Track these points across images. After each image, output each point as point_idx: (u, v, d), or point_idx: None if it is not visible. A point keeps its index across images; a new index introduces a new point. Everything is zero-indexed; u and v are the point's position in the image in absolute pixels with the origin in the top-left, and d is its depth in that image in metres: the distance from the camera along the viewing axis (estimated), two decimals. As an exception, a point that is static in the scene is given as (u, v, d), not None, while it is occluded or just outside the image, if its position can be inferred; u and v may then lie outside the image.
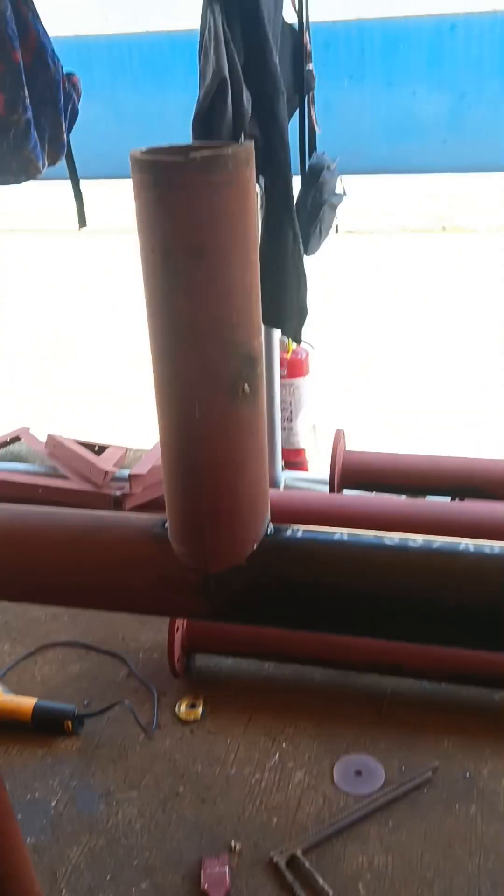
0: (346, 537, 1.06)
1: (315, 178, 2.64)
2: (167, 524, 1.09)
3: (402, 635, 1.07)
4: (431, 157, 8.27)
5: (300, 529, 1.10)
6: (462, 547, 1.03)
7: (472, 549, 1.02)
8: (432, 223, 6.97)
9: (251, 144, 0.92)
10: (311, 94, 2.65)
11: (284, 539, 1.07)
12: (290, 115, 2.49)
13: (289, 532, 1.09)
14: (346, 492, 2.74)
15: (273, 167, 2.17)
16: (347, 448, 2.82)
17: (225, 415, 0.97)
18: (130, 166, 0.90)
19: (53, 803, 1.95)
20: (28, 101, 2.30)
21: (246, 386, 0.98)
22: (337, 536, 1.07)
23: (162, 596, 1.09)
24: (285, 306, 2.40)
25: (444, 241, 6.72)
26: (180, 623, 2.20)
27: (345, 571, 1.04)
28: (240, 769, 2.01)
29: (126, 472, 2.88)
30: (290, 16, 2.49)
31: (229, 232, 0.90)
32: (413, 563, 1.02)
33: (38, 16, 2.34)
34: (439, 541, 1.05)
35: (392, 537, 1.06)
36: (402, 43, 8.13)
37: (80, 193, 2.66)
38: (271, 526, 1.09)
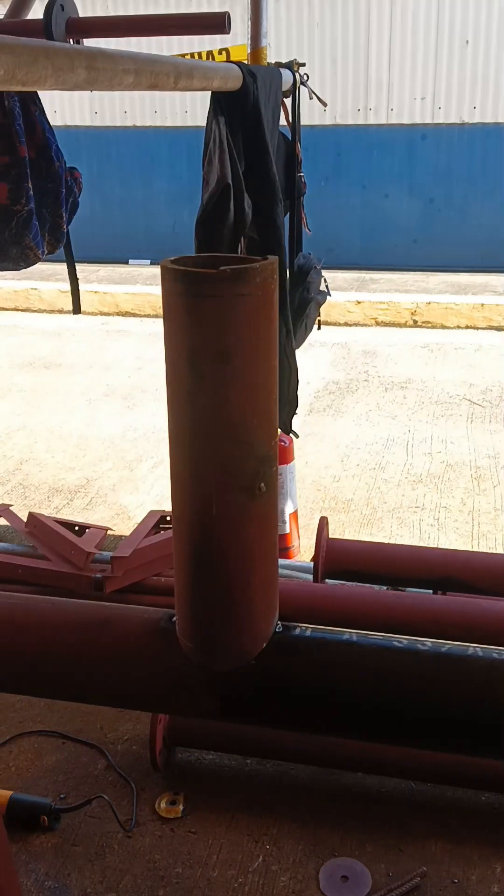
0: (354, 638, 1.07)
1: (303, 277, 2.74)
2: (175, 618, 1.09)
3: (411, 741, 1.07)
4: (403, 255, 8.59)
5: (308, 629, 1.10)
6: (471, 652, 1.04)
7: (480, 653, 1.03)
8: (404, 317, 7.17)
9: (276, 260, 0.96)
10: (301, 199, 2.77)
11: (294, 638, 1.08)
12: (283, 220, 2.60)
13: (297, 631, 1.09)
14: (328, 582, 2.74)
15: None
16: (330, 536, 2.84)
17: (241, 512, 0.99)
18: (161, 275, 0.94)
19: (27, 905, 1.87)
20: (31, 192, 2.38)
21: (262, 485, 1.00)
22: (346, 637, 1.07)
23: (168, 695, 1.08)
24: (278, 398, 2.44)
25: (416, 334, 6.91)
26: (162, 716, 2.16)
27: (355, 675, 1.04)
28: (222, 872, 1.95)
29: (108, 555, 2.86)
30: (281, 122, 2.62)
31: (254, 339, 0.94)
32: (423, 668, 1.02)
33: (44, 113, 2.44)
34: (448, 644, 1.06)
35: (401, 640, 1.06)
36: (376, 149, 8.54)
37: (77, 281, 2.72)
38: (280, 624, 1.10)
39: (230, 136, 1.89)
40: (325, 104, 2.84)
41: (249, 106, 1.95)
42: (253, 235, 2.08)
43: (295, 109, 2.68)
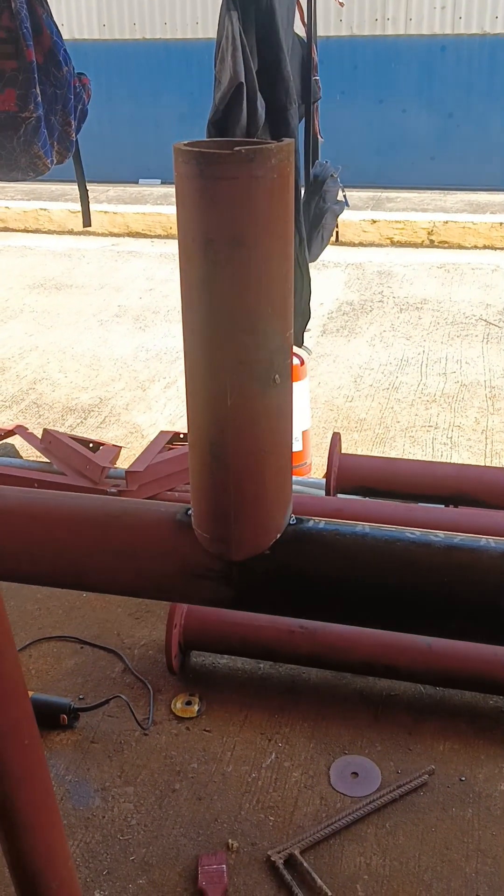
0: (367, 530, 1.08)
1: (319, 186, 2.69)
2: (191, 511, 1.11)
3: (422, 628, 1.09)
4: (420, 173, 8.40)
5: (321, 521, 1.11)
6: (483, 542, 1.05)
7: (493, 544, 1.04)
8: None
9: (293, 142, 0.94)
10: (316, 104, 2.70)
11: (307, 529, 1.09)
12: (297, 123, 2.53)
13: (311, 523, 1.11)
14: (340, 496, 2.76)
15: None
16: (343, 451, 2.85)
17: (256, 403, 0.99)
18: (174, 158, 0.92)
19: (49, 798, 1.95)
20: (39, 98, 2.33)
21: (277, 376, 1.00)
22: (359, 529, 1.08)
23: (185, 583, 1.11)
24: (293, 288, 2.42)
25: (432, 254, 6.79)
26: (178, 620, 2.21)
27: (367, 563, 1.05)
28: (236, 767, 2.02)
29: (122, 470, 2.89)
30: (298, 28, 2.53)
31: (270, 224, 0.92)
32: (435, 557, 1.04)
33: (51, 16, 2.37)
34: (460, 536, 1.07)
35: (413, 531, 1.08)
36: (393, 61, 8.27)
37: (87, 192, 2.68)
38: (293, 516, 1.11)
39: (243, 32, 1.83)
40: (341, 4, 2.75)
41: (263, 1, 1.89)
42: (266, 137, 2.03)
43: (311, 10, 2.59)
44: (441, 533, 1.07)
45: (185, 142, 0.94)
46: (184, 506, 1.14)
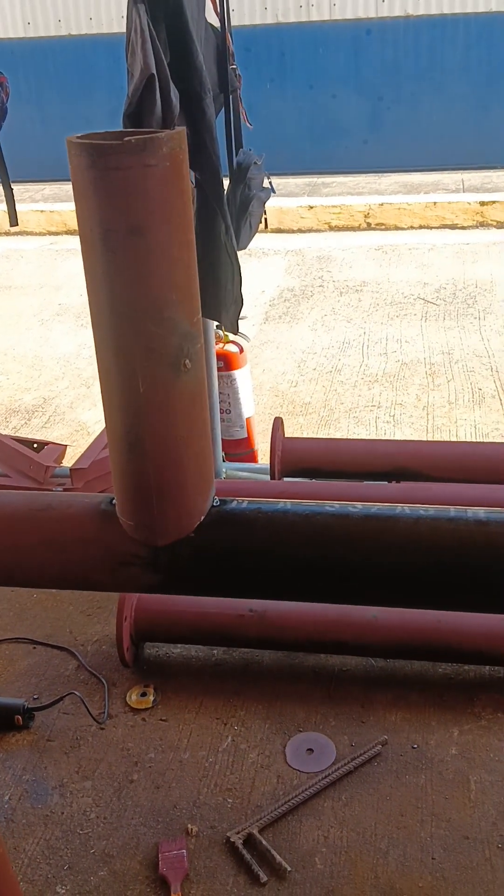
0: (289, 506, 1.11)
1: (243, 174, 2.69)
2: (114, 500, 1.12)
3: (347, 597, 1.12)
4: (354, 157, 8.45)
5: (244, 501, 1.14)
6: (399, 510, 1.08)
7: (408, 511, 1.08)
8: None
9: (184, 129, 0.96)
10: (237, 93, 2.71)
11: (231, 510, 1.11)
12: (217, 113, 2.54)
13: (234, 504, 1.13)
14: (285, 480, 2.79)
15: (203, 162, 2.21)
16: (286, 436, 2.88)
17: (168, 389, 1.01)
18: (68, 150, 0.93)
19: (7, 798, 1.95)
20: (-45, 99, 2.31)
21: (187, 361, 1.02)
22: (280, 506, 1.11)
23: (113, 571, 1.12)
24: (221, 298, 2.44)
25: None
26: (128, 613, 2.22)
27: (290, 538, 1.08)
28: (193, 753, 2.04)
29: (67, 469, 2.89)
30: (211, 17, 2.54)
31: (165, 212, 0.94)
32: (354, 527, 1.07)
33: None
34: (377, 506, 1.10)
35: (332, 505, 1.10)
36: (320, 47, 8.30)
37: (11, 191, 2.67)
38: (217, 498, 1.13)
39: (152, 24, 1.84)
40: None
41: (171, -8, 1.90)
42: (182, 128, 2.04)
43: (223, -1, 2.59)
44: (359, 504, 1.10)
45: (79, 135, 0.96)
46: (108, 496, 1.15)
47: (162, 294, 0.97)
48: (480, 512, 1.04)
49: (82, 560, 1.12)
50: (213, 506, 1.12)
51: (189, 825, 1.87)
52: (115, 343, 0.99)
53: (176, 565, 1.10)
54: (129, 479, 1.06)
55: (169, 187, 0.93)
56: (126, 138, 0.89)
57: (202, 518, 1.10)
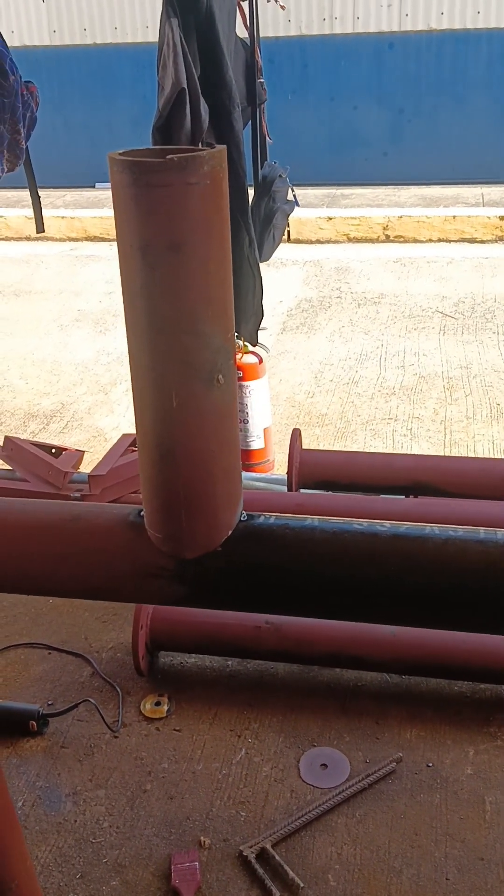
0: (317, 523, 1.11)
1: (268, 187, 2.71)
2: (143, 512, 1.13)
3: (373, 617, 1.12)
4: (374, 169, 8.47)
5: (272, 516, 1.14)
6: (428, 531, 1.08)
7: (437, 531, 1.07)
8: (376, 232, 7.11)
9: (224, 148, 0.96)
10: (262, 106, 2.72)
11: (258, 525, 1.12)
12: (244, 126, 2.56)
13: (261, 519, 1.13)
14: (302, 491, 2.79)
15: (230, 174, 2.22)
16: (303, 447, 2.88)
17: (201, 403, 1.01)
18: (110, 166, 0.94)
19: (20, 804, 1.96)
20: (-14, 108, 2.33)
21: (220, 376, 1.02)
22: (308, 522, 1.11)
23: (139, 583, 1.12)
24: (242, 309, 2.45)
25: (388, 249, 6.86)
26: (144, 621, 2.23)
27: (317, 555, 1.08)
28: (206, 765, 2.04)
29: (85, 475, 2.90)
30: (241, 31, 2.56)
31: (204, 229, 0.95)
32: (382, 546, 1.07)
33: (-6, 24, 2.37)
34: (405, 525, 1.10)
35: (361, 522, 1.10)
36: (343, 59, 8.33)
37: (39, 199, 2.69)
38: (244, 513, 1.14)
39: (184, 38, 1.85)
40: (283, 7, 2.78)
41: (203, 6, 1.91)
42: (211, 142, 2.05)
43: (253, 13, 2.61)
44: (387, 522, 1.10)
45: (120, 151, 0.96)
46: (136, 507, 1.16)
47: (198, 309, 0.97)
48: (510, 534, 1.03)
49: (109, 571, 1.13)
50: (240, 520, 1.12)
51: (202, 837, 1.86)
52: (150, 356, 1.00)
53: (202, 579, 1.10)
54: (159, 492, 1.07)
55: (208, 205, 0.94)
56: (168, 156, 0.90)
57: (230, 532, 1.10)
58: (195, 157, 0.91)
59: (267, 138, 2.82)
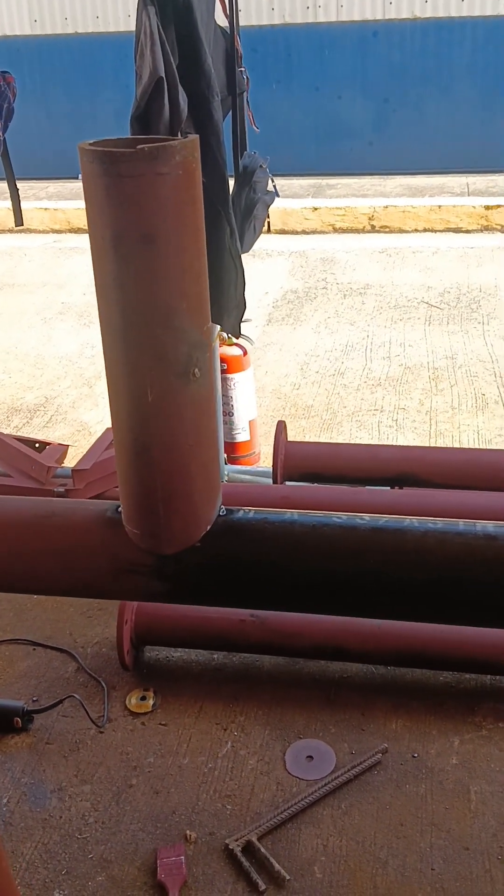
0: (296, 517, 1.10)
1: (249, 177, 2.69)
2: (120, 508, 1.11)
3: (352, 610, 1.11)
4: (359, 159, 8.44)
5: (251, 511, 1.13)
6: (407, 523, 1.07)
7: (416, 524, 1.07)
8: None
9: (197, 138, 0.95)
10: (244, 95, 2.70)
11: (237, 520, 1.11)
12: (224, 116, 2.53)
13: (241, 513, 1.12)
14: (288, 484, 2.78)
15: (209, 165, 2.21)
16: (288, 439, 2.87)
17: (177, 397, 1.00)
18: (80, 157, 0.92)
19: (5, 800, 1.95)
20: (-38, 98, 2.30)
21: (196, 370, 1.01)
22: (287, 516, 1.10)
23: (118, 579, 1.11)
24: (224, 301, 2.44)
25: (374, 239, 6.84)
26: (129, 616, 2.22)
27: (296, 549, 1.07)
28: (192, 759, 2.03)
29: (69, 469, 2.88)
30: (220, 19, 2.53)
31: (177, 220, 0.93)
32: (361, 540, 1.06)
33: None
34: (384, 518, 1.09)
35: (340, 516, 1.10)
36: (327, 48, 8.29)
37: (17, 192, 2.66)
38: (223, 508, 1.13)
39: (161, 27, 1.83)
40: None
41: (181, -6, 1.89)
42: (190, 131, 2.04)
43: (232, 1, 2.59)
44: (367, 516, 1.10)
45: (91, 141, 0.95)
46: (114, 503, 1.14)
47: (172, 302, 0.96)
48: (489, 526, 1.03)
49: (87, 568, 1.12)
50: (219, 515, 1.11)
51: (188, 831, 1.86)
52: (125, 351, 0.98)
53: (181, 574, 1.09)
54: (136, 487, 1.06)
55: (181, 195, 0.93)
56: (139, 146, 0.88)
57: (208, 527, 1.09)
58: (166, 146, 0.89)
59: (254, 127, 2.80)
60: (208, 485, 1.09)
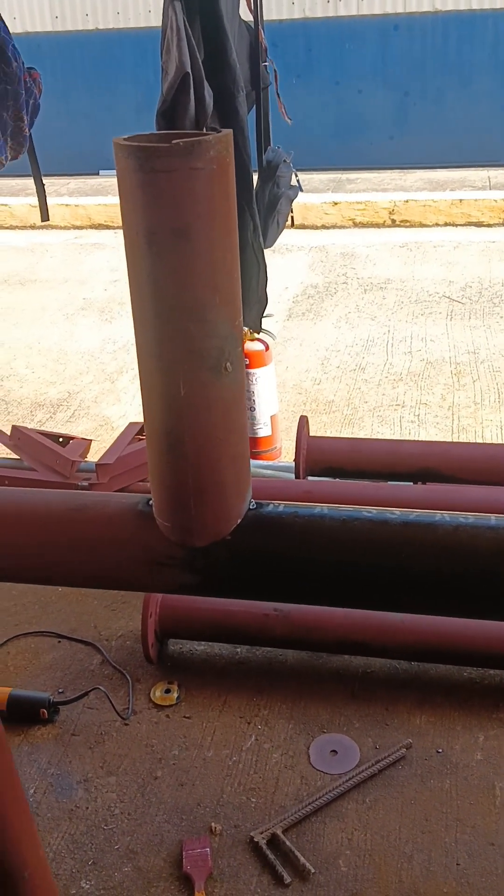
0: (326, 510, 1.10)
1: (273, 172, 2.69)
2: (151, 501, 1.12)
3: (382, 604, 1.12)
4: (379, 153, 8.41)
5: (281, 504, 1.13)
6: (438, 518, 1.07)
7: (447, 519, 1.07)
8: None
9: (230, 133, 0.95)
10: (266, 90, 2.70)
11: (267, 513, 1.11)
12: (248, 111, 2.53)
13: (270, 507, 1.13)
14: (310, 479, 2.78)
15: (234, 159, 2.20)
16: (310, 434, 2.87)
17: (208, 392, 1.01)
18: (115, 152, 0.93)
19: (32, 791, 1.97)
20: (-11, 95, 2.32)
21: (228, 364, 1.01)
22: (318, 510, 1.10)
23: (148, 571, 1.12)
24: (245, 296, 2.44)
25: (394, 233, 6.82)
26: (153, 609, 2.23)
27: (325, 543, 1.07)
28: (217, 752, 2.04)
29: (92, 464, 2.90)
30: (244, 13, 2.53)
31: (211, 215, 0.94)
32: (392, 534, 1.06)
33: (-3, 10, 2.35)
34: (415, 513, 1.09)
35: (370, 510, 1.10)
36: (347, 42, 8.25)
37: (43, 187, 2.67)
38: (253, 501, 1.13)
39: (187, 22, 1.83)
40: None
41: (207, -11, 1.89)
42: (215, 126, 2.04)
43: (256, -5, 2.58)
44: (397, 510, 1.10)
45: (125, 136, 0.95)
46: (144, 496, 1.15)
47: (205, 296, 0.96)
48: (521, 520, 1.03)
49: (118, 560, 1.12)
50: (249, 509, 1.12)
51: (213, 823, 1.87)
52: (158, 345, 0.99)
53: (212, 567, 1.10)
54: (168, 481, 1.06)
55: (215, 190, 0.93)
56: (174, 141, 0.89)
57: (239, 521, 1.10)
58: (201, 141, 0.90)
59: (286, 119, 2.79)
60: (239, 478, 1.09)
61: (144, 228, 0.93)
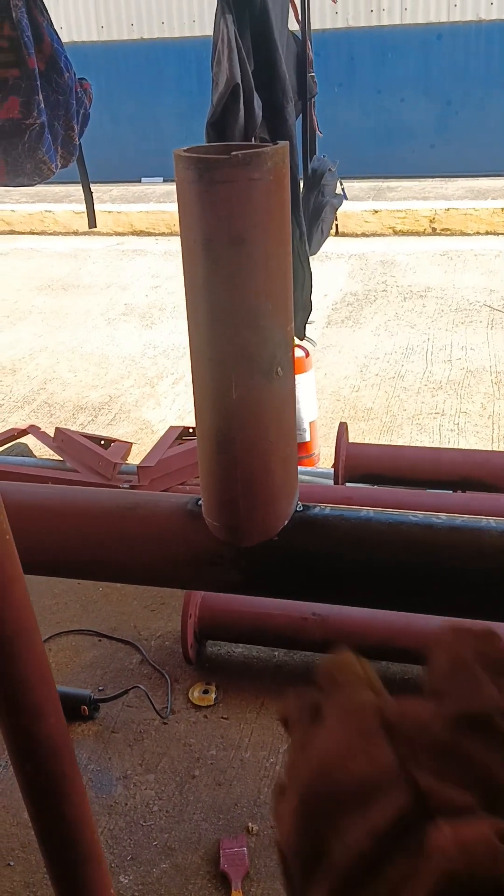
0: (371, 514, 1.12)
1: (318, 180, 2.72)
2: (201, 501, 1.15)
3: (428, 608, 1.13)
4: (420, 162, 8.40)
5: (327, 507, 1.16)
6: (484, 523, 1.09)
7: (493, 524, 1.08)
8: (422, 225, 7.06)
9: (287, 145, 0.98)
10: (312, 100, 2.73)
11: (314, 515, 1.14)
12: (295, 120, 2.57)
13: (317, 509, 1.15)
14: (349, 485, 2.80)
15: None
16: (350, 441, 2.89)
17: (260, 395, 1.03)
18: (175, 164, 0.96)
19: (73, 787, 2.00)
20: (42, 105, 2.37)
21: (280, 369, 1.04)
22: (364, 514, 1.13)
23: (196, 569, 1.15)
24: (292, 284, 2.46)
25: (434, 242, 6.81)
26: (192, 610, 2.26)
27: (372, 545, 1.10)
28: (254, 753, 2.07)
29: (134, 466, 2.94)
30: (293, 25, 2.57)
31: (267, 224, 0.97)
32: (438, 538, 1.08)
33: (52, 24, 2.41)
34: (462, 517, 1.11)
35: (416, 514, 1.12)
36: (389, 51, 8.27)
37: (91, 194, 2.73)
38: (300, 503, 1.16)
39: (238, 34, 1.87)
40: (335, 0, 2.77)
41: (257, 3, 1.93)
42: (264, 136, 2.07)
43: (304, 7, 2.62)
44: (443, 515, 1.11)
45: (185, 147, 0.99)
46: (194, 496, 1.18)
47: (259, 303, 0.99)
48: None
49: (167, 558, 1.16)
50: (296, 510, 1.14)
51: (250, 823, 1.89)
52: (211, 349, 1.02)
53: (258, 567, 1.12)
54: (218, 481, 1.09)
55: (271, 200, 0.96)
56: (233, 153, 0.92)
57: (286, 522, 1.12)
58: (259, 153, 0.93)
59: (317, 132, 2.83)
60: (287, 481, 1.12)
61: (202, 236, 0.96)
